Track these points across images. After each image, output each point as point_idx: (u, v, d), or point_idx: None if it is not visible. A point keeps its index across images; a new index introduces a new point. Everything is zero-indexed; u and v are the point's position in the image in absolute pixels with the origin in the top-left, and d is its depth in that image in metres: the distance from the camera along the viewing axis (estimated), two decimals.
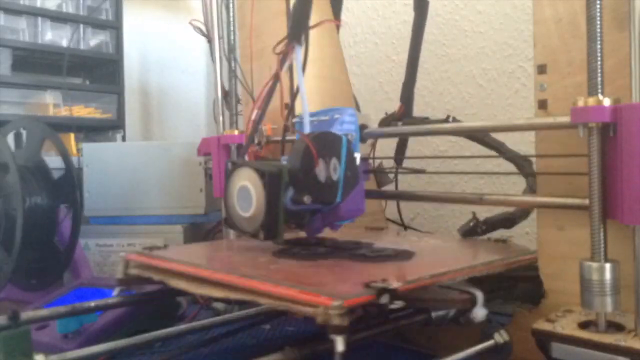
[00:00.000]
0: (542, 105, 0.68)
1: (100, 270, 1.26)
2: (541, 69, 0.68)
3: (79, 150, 1.43)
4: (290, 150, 1.02)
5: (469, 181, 1.27)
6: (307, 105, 0.75)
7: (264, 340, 0.88)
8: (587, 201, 0.59)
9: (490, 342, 0.63)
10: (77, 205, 1.07)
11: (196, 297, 1.08)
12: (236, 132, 1.07)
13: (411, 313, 0.66)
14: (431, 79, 1.39)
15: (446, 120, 0.89)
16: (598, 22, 0.57)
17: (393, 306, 0.53)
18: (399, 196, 1.09)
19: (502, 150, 0.86)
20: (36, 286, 1.06)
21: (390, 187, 1.17)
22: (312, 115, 0.79)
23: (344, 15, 1.21)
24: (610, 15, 0.61)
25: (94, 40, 1.77)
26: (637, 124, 0.54)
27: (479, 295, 0.60)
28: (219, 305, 0.99)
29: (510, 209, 0.86)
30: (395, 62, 1.48)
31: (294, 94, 1.05)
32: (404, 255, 0.71)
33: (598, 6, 0.57)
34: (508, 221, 0.86)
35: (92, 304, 0.75)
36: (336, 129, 0.76)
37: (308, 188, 0.68)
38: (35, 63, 1.71)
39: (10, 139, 1.11)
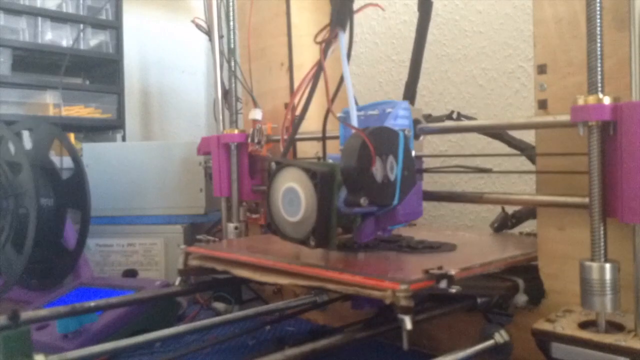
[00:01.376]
0: (542, 105, 0.68)
1: (100, 270, 1.26)
2: (541, 69, 0.68)
3: (79, 150, 1.43)
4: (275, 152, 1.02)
5: (469, 181, 1.27)
6: (353, 97, 0.68)
7: (264, 340, 0.88)
8: (587, 200, 0.59)
9: (490, 342, 0.63)
10: (86, 207, 1.07)
11: (197, 297, 1.08)
12: (236, 131, 1.08)
13: (460, 298, 0.69)
14: (431, 79, 1.39)
15: (450, 117, 0.90)
16: (598, 22, 0.57)
17: (452, 290, 0.56)
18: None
19: (522, 147, 0.87)
20: (41, 286, 1.07)
21: None
22: (359, 109, 0.73)
23: None
24: (610, 15, 0.61)
25: (94, 40, 1.77)
26: (637, 122, 0.54)
27: (521, 283, 0.66)
28: (219, 306, 0.99)
29: None
30: (395, 62, 1.48)
31: (294, 93, 1.06)
32: (448, 247, 0.75)
33: (598, 6, 0.57)
34: (535, 211, 0.88)
35: (92, 304, 0.75)
36: (389, 124, 0.69)
37: (363, 189, 0.62)
38: (35, 63, 1.71)
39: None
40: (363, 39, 1.55)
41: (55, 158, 1.12)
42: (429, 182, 1.37)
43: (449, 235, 0.89)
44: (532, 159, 0.83)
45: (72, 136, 1.63)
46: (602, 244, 0.57)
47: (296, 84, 1.06)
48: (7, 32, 1.59)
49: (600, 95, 0.57)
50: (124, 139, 1.79)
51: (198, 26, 1.11)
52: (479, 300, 0.68)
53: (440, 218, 1.37)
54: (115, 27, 1.79)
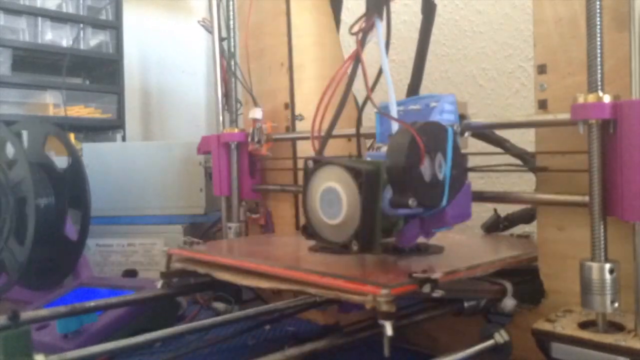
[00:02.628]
0: (542, 105, 0.68)
1: (100, 270, 1.26)
2: (541, 69, 0.68)
3: (79, 150, 1.43)
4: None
5: (470, 179, 1.27)
6: (393, 90, 0.64)
7: (264, 340, 0.88)
8: (587, 198, 0.59)
9: (490, 342, 0.63)
10: (87, 206, 1.07)
11: (196, 297, 1.08)
12: (236, 130, 1.07)
13: (430, 307, 0.68)
14: (431, 79, 1.39)
15: None
16: (598, 22, 0.57)
17: (435, 295, 0.55)
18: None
19: (507, 147, 0.87)
20: (42, 285, 1.07)
21: None
22: (400, 103, 0.68)
23: (343, 15, 1.21)
24: (610, 15, 0.60)
25: (94, 40, 1.77)
26: (637, 120, 0.54)
27: (509, 286, 0.63)
28: (219, 306, 0.99)
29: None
30: (395, 62, 1.48)
31: (292, 91, 1.06)
32: (435, 250, 0.73)
33: (598, 6, 0.57)
34: (527, 216, 0.89)
35: (92, 304, 0.75)
36: (436, 120, 0.64)
37: (411, 189, 0.57)
38: (35, 63, 1.71)
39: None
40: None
41: (55, 158, 1.12)
42: None
43: (438, 236, 0.86)
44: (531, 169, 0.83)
45: (72, 136, 1.63)
46: (602, 243, 0.57)
47: (296, 84, 1.06)
48: (7, 32, 1.59)
49: (600, 94, 0.57)
50: (124, 139, 1.79)
51: (205, 27, 1.11)
52: (465, 304, 0.67)
53: None
54: (115, 27, 1.79)
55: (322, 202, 0.61)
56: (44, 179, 1.06)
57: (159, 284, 0.80)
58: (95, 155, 1.33)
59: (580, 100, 0.58)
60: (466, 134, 0.71)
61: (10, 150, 1.01)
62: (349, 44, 1.58)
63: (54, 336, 0.81)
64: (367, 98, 0.66)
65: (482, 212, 1.01)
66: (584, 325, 0.58)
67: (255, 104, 1.09)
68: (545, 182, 0.69)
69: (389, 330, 0.52)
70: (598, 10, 0.57)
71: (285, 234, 1.03)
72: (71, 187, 1.08)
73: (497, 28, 1.26)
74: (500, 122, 0.79)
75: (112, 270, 1.26)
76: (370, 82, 0.68)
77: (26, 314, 0.67)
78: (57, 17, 1.69)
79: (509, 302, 0.64)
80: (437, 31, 1.37)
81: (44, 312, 0.73)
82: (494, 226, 0.91)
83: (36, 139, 1.10)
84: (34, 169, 1.03)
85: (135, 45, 1.97)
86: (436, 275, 0.56)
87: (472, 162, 0.91)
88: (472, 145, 1.17)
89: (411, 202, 0.57)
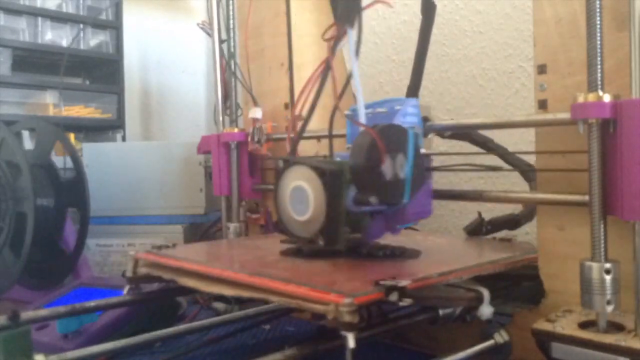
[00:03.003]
0: (542, 105, 0.68)
1: (100, 270, 1.26)
2: (541, 69, 0.68)
3: (79, 150, 1.43)
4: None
5: (469, 181, 1.27)
6: (361, 96, 0.67)
7: (264, 340, 0.88)
8: (587, 197, 0.59)
9: (490, 342, 0.63)
10: (86, 207, 1.07)
11: (196, 297, 1.08)
12: (236, 130, 1.07)
13: (417, 311, 0.66)
14: (431, 79, 1.39)
15: None
16: (598, 22, 0.57)
17: (402, 304, 0.53)
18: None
19: (506, 157, 0.87)
20: (40, 286, 1.07)
21: None
22: (367, 106, 0.72)
23: None
24: (610, 15, 0.60)
25: (94, 40, 1.77)
26: (637, 119, 0.54)
27: (485, 293, 0.59)
28: (219, 306, 0.99)
29: (515, 211, 0.87)
30: (395, 62, 1.48)
31: (292, 91, 1.06)
32: (411, 254, 0.70)
33: (598, 6, 0.57)
34: (512, 222, 0.87)
35: (92, 304, 0.75)
36: (398, 122, 0.68)
37: (373, 187, 0.61)
38: (35, 63, 1.71)
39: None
40: (363, 39, 1.55)
41: (55, 158, 1.12)
42: (435, 173, 1.37)
43: (419, 240, 0.85)
44: (526, 177, 0.83)
45: (72, 136, 1.63)
46: (602, 243, 0.57)
47: (296, 84, 1.06)
48: (7, 32, 1.59)
49: (600, 93, 0.57)
50: (124, 139, 1.79)
51: (204, 30, 1.11)
52: (440, 312, 0.65)
53: (440, 218, 1.37)
54: (115, 27, 1.79)
55: (292, 199, 0.65)
56: (46, 186, 1.06)
57: (125, 289, 0.77)
58: (95, 155, 1.33)
59: (580, 99, 0.58)
60: (429, 135, 0.76)
61: (11, 149, 1.01)
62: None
63: (54, 336, 0.81)
64: (336, 106, 0.69)
65: (481, 212, 1.01)
66: (584, 325, 0.58)
67: (255, 104, 1.09)
68: (545, 182, 0.69)
69: (351, 342, 0.49)
70: (598, 10, 0.57)
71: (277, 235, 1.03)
72: (73, 192, 1.08)
73: (497, 28, 1.26)
74: (500, 121, 0.79)
75: (112, 270, 1.26)
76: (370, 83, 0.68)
77: (26, 314, 0.67)
78: (57, 17, 1.69)
79: (486, 310, 0.59)
80: (437, 31, 1.37)
81: (44, 312, 0.72)
82: (477, 229, 0.89)
83: (44, 142, 1.11)
84: (37, 175, 1.03)
85: (135, 45, 1.97)
86: (404, 282, 0.53)
87: (474, 162, 0.91)
88: (467, 147, 1.17)
89: (372, 199, 0.60)
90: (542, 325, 0.59)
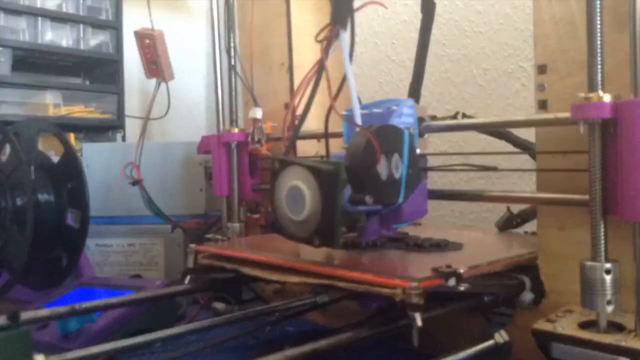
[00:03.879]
0: (542, 105, 0.68)
1: (100, 270, 1.26)
2: (541, 69, 0.68)
3: (79, 150, 1.43)
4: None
5: (469, 181, 1.27)
6: (356, 96, 0.68)
7: (264, 340, 0.88)
8: (587, 197, 0.59)
9: (490, 342, 0.63)
10: (86, 208, 1.07)
11: (197, 297, 1.08)
12: (236, 130, 1.07)
13: (466, 296, 0.69)
14: (431, 79, 1.38)
15: (455, 117, 0.89)
16: (598, 22, 0.57)
17: (460, 288, 0.57)
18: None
19: (527, 146, 0.87)
20: (42, 285, 1.06)
21: None
22: (363, 107, 0.73)
23: None
24: (610, 15, 0.60)
25: (94, 40, 1.77)
26: (638, 119, 0.54)
27: (527, 280, 0.66)
28: (219, 306, 0.99)
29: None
30: (395, 62, 1.48)
31: (295, 92, 1.05)
32: (455, 246, 0.75)
33: (598, 6, 0.57)
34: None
35: (92, 304, 0.75)
36: (394, 122, 0.70)
37: (368, 187, 0.62)
38: (35, 63, 1.71)
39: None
40: (363, 40, 1.55)
41: (55, 158, 1.12)
42: (429, 181, 1.37)
43: (455, 234, 0.89)
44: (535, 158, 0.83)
45: (72, 136, 1.63)
46: (602, 243, 0.57)
47: (296, 84, 1.06)
48: (7, 32, 1.59)
49: (601, 93, 0.57)
50: (124, 139, 1.79)
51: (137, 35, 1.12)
52: (485, 298, 0.69)
53: (440, 218, 1.36)
54: (115, 27, 1.79)
55: (288, 199, 0.65)
56: (45, 184, 1.06)
57: (187, 279, 0.82)
58: (95, 155, 1.33)
59: (581, 99, 0.58)
60: (426, 135, 0.78)
61: (9, 148, 1.01)
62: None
63: (54, 336, 0.81)
64: (331, 107, 0.69)
65: (482, 212, 1.01)
66: (584, 325, 0.58)
67: (256, 104, 1.09)
68: (546, 182, 0.69)
69: (418, 321, 0.54)
70: (598, 10, 0.57)
71: None
72: (71, 190, 1.07)
73: (497, 28, 1.26)
74: (501, 120, 0.79)
75: (112, 270, 1.26)
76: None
77: (26, 314, 0.67)
78: (57, 17, 1.68)
79: (527, 296, 0.67)
80: (437, 31, 1.37)
81: (44, 312, 0.72)
82: (508, 224, 0.93)
83: (29, 136, 1.10)
84: (35, 171, 1.03)
85: (135, 45, 1.97)
86: (461, 269, 0.58)
87: (474, 162, 0.91)
88: (472, 146, 1.17)
89: (368, 199, 0.61)
90: (542, 325, 0.59)
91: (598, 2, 0.57)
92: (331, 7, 0.68)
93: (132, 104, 1.93)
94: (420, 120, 0.77)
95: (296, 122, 0.78)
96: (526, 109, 1.18)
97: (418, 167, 0.69)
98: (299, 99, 0.72)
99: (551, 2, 0.67)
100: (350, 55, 0.67)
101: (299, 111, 0.76)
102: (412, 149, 0.67)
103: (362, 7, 0.69)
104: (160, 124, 2.06)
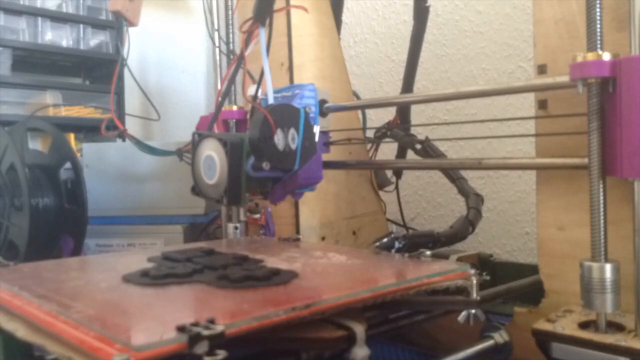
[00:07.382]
0: (542, 105, 0.68)
1: None
2: (541, 69, 0.68)
3: (79, 150, 1.43)
4: None
5: (469, 181, 1.28)
6: (271, 83, 0.81)
7: None
8: (586, 160, 0.58)
9: (490, 342, 0.63)
10: (85, 208, 1.07)
11: None
12: (235, 108, 1.05)
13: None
14: (431, 79, 1.39)
15: (421, 142, 0.96)
16: (598, 22, 0.57)
17: (216, 357, 0.39)
18: (384, 165, 1.12)
19: (458, 184, 0.95)
20: None
21: (388, 188, 1.17)
22: (276, 92, 0.86)
23: (344, 16, 1.21)
24: (610, 15, 0.61)
25: (94, 40, 1.77)
26: (637, 77, 0.54)
27: (359, 331, 0.49)
28: None
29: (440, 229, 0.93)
30: (395, 62, 1.48)
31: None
32: (285, 277, 0.58)
33: (598, 6, 0.57)
34: (430, 238, 0.89)
35: None
36: (295, 103, 0.81)
37: (267, 156, 0.73)
38: (35, 63, 1.71)
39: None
40: (363, 39, 1.55)
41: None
42: (428, 183, 1.37)
43: (318, 257, 0.73)
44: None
45: (72, 136, 1.63)
46: (602, 244, 0.57)
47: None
48: (7, 32, 1.59)
49: (600, 52, 0.56)
50: (124, 139, 1.79)
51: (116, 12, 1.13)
52: (303, 356, 0.51)
53: (440, 218, 1.37)
54: (115, 27, 1.79)
55: (204, 166, 0.77)
56: (44, 185, 1.06)
57: None
58: (95, 155, 1.33)
59: (579, 59, 0.57)
60: (328, 115, 0.92)
61: (8, 149, 1.01)
62: (348, 44, 1.58)
63: None
64: (227, 90, 0.84)
65: (482, 212, 1.01)
66: (584, 325, 0.58)
67: (254, 82, 1.07)
68: (544, 148, 0.69)
69: None
70: (598, 10, 0.57)
71: (283, 234, 1.03)
72: (71, 190, 1.07)
73: (497, 28, 1.27)
74: (499, 88, 0.77)
75: None
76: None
77: None
78: (57, 17, 1.69)
79: (359, 353, 0.48)
80: (437, 31, 1.37)
81: None
82: (389, 246, 0.84)
83: (18, 135, 1.10)
84: (34, 171, 1.03)
85: (135, 45, 1.97)
86: (219, 327, 0.40)
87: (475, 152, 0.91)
88: (472, 146, 1.16)
89: (265, 165, 0.72)
90: (542, 325, 0.59)
91: (598, 2, 0.57)
92: (254, 5, 0.78)
93: (132, 104, 1.93)
94: (322, 102, 0.91)
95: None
96: (526, 109, 1.18)
97: (313, 141, 0.79)
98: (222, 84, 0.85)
99: (551, 2, 0.67)
100: (267, 49, 0.81)
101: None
102: (307, 125, 0.77)
103: (282, 9, 0.80)
104: (160, 124, 2.07)
